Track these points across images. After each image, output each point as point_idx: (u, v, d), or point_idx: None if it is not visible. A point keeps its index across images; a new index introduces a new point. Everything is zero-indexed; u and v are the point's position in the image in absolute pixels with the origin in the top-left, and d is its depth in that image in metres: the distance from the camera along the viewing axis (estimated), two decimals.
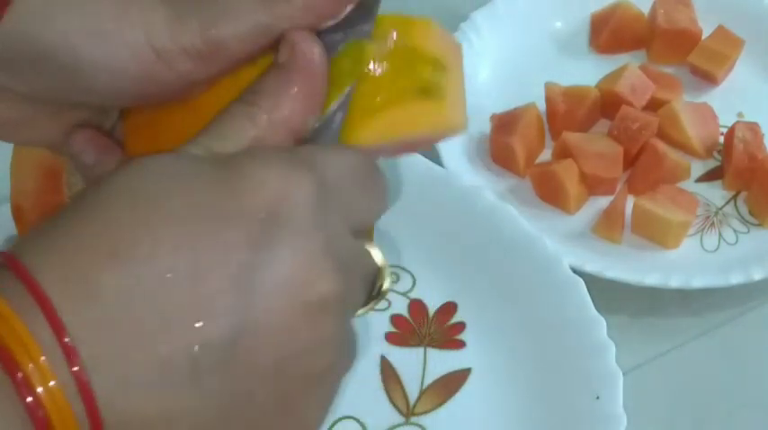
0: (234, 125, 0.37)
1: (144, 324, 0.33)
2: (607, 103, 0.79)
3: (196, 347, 0.33)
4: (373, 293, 0.39)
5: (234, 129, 0.37)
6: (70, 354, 0.32)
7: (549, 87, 0.80)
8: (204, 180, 0.35)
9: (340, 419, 0.63)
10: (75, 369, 0.32)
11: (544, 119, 0.79)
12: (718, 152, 0.79)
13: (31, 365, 0.32)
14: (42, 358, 0.32)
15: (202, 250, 0.33)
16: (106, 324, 0.32)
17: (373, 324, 0.67)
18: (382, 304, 0.68)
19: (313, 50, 0.38)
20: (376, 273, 0.39)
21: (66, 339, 0.32)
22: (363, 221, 0.38)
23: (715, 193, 0.77)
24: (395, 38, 0.40)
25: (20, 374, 0.31)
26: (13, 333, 0.32)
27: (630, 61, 0.82)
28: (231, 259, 0.34)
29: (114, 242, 0.33)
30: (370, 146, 0.40)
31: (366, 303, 0.39)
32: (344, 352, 0.38)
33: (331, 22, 0.39)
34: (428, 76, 0.41)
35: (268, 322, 0.34)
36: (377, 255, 0.39)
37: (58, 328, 0.32)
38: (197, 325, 0.33)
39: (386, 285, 0.39)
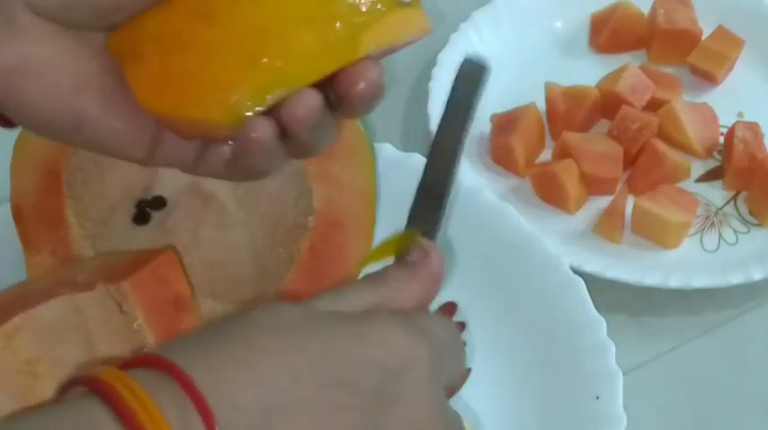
0: (357, 292, 0.42)
1: None
2: (607, 103, 0.79)
3: None
4: None
5: (356, 295, 0.42)
6: None
7: (549, 87, 0.80)
8: (336, 328, 0.39)
9: None
10: None
11: (544, 119, 0.79)
12: (718, 152, 0.79)
13: None
14: None
15: (333, 390, 0.37)
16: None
17: None
18: None
19: (439, 262, 0.46)
20: None
21: None
22: (452, 383, 0.43)
23: (715, 193, 0.77)
24: None
25: None
26: None
27: (630, 61, 0.82)
28: (358, 403, 0.38)
29: (259, 370, 0.37)
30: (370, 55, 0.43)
31: None
32: None
33: None
34: None
35: None
36: (459, 416, 0.43)
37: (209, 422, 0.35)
38: None
39: None
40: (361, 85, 0.42)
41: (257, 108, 0.42)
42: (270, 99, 0.42)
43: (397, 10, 0.43)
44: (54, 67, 0.42)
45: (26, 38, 0.42)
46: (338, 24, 0.42)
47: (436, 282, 0.46)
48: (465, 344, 0.45)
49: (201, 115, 0.42)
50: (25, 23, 0.42)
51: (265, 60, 0.42)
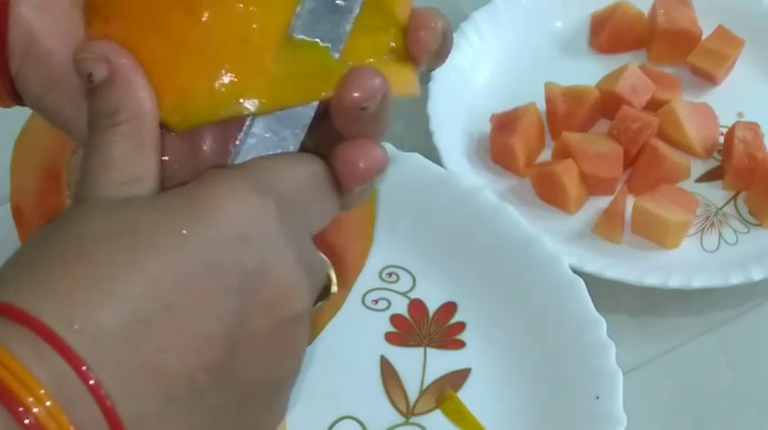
0: (116, 151, 0.38)
1: (148, 356, 0.34)
2: (607, 103, 0.79)
3: (198, 372, 0.35)
4: (323, 294, 0.42)
5: (114, 153, 0.38)
6: (95, 388, 0.33)
7: (548, 87, 0.80)
8: (177, 214, 0.36)
9: (340, 419, 0.63)
10: (102, 393, 0.33)
11: (544, 119, 0.79)
12: (718, 152, 0.79)
13: (48, 403, 0.33)
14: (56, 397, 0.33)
15: (195, 282, 0.35)
16: (113, 360, 0.34)
17: (373, 324, 0.67)
18: (382, 304, 0.68)
19: (126, 59, 0.39)
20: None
21: (85, 369, 0.33)
22: (318, 227, 0.40)
23: (715, 193, 0.77)
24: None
25: (24, 414, 0.32)
26: (16, 375, 0.33)
27: (630, 61, 0.82)
28: (220, 287, 0.36)
29: (109, 282, 0.34)
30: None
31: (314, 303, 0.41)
32: (306, 347, 0.41)
33: None
34: (401, 40, 0.42)
35: (259, 338, 0.37)
36: (325, 260, 0.41)
37: (75, 362, 0.33)
38: (196, 351, 0.35)
39: (334, 288, 0.43)
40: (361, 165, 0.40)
41: (207, 121, 0.40)
42: (222, 116, 0.39)
43: (387, 64, 0.41)
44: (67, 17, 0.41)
45: None
46: (319, 60, 0.40)
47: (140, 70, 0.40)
48: (330, 181, 0.40)
49: None
50: None
51: (232, 74, 0.39)
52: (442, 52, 0.43)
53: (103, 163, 0.38)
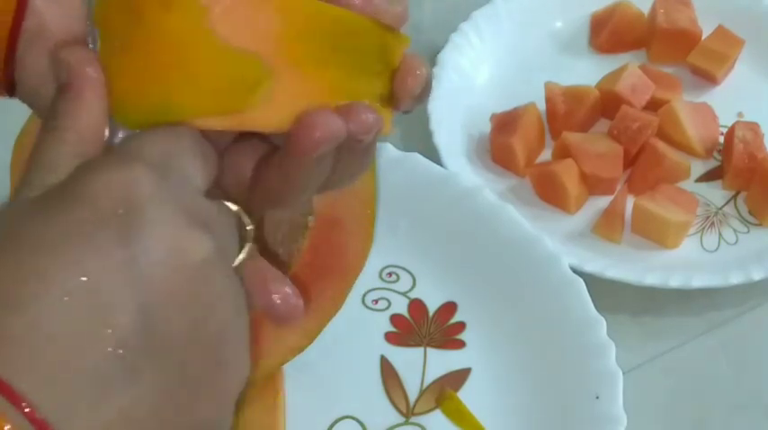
0: (51, 154, 0.39)
1: (63, 350, 0.34)
2: (607, 103, 0.79)
3: (118, 349, 0.35)
4: (243, 237, 0.42)
5: (54, 157, 0.39)
6: (15, 398, 0.33)
7: (549, 87, 0.80)
8: (53, 204, 0.37)
9: (340, 419, 0.63)
10: (24, 406, 0.33)
11: (544, 119, 0.79)
12: (718, 152, 0.79)
13: None
14: None
15: (85, 264, 0.35)
16: (27, 363, 0.34)
17: (373, 324, 0.67)
18: (382, 304, 0.68)
19: (90, 68, 0.41)
20: (238, 221, 0.42)
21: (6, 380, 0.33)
22: (204, 180, 0.41)
23: (715, 193, 0.77)
24: None
25: None
26: None
27: (630, 61, 0.82)
28: (112, 260, 0.36)
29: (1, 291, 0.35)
30: None
31: (241, 249, 0.41)
32: (239, 294, 0.40)
33: None
34: (389, 84, 0.44)
35: (167, 295, 0.37)
36: (230, 205, 0.42)
37: None
38: (108, 330, 0.35)
39: (249, 226, 0.42)
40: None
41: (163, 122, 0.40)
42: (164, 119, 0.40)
43: (376, 106, 0.42)
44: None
45: None
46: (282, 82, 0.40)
47: (101, 87, 0.41)
48: (198, 136, 0.41)
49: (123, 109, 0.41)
50: None
51: (179, 77, 0.40)
52: (422, 97, 0.45)
53: (41, 162, 0.39)
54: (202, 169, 0.41)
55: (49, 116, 0.41)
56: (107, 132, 0.41)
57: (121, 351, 0.35)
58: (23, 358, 0.34)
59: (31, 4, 0.41)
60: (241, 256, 0.41)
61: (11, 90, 0.44)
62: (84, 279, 0.35)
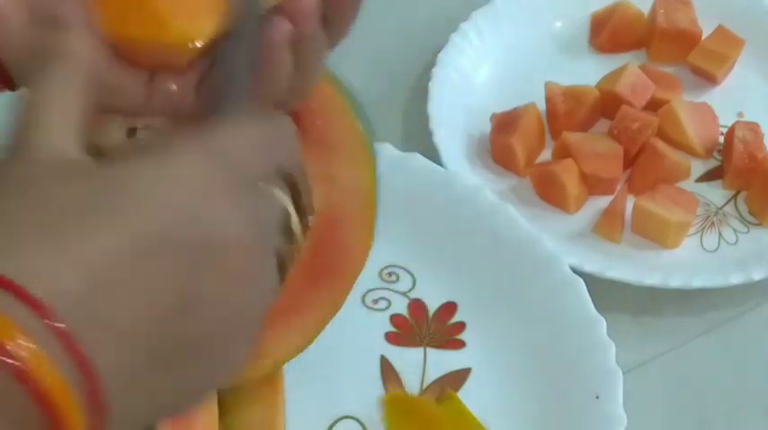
0: (54, 93, 0.39)
1: (108, 314, 0.35)
2: (607, 103, 0.79)
3: (152, 331, 0.36)
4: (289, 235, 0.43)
5: (56, 96, 0.39)
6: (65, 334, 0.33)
7: (549, 87, 0.80)
8: (133, 177, 0.37)
9: (340, 419, 0.63)
10: (73, 339, 0.33)
11: (544, 119, 0.79)
12: (718, 152, 0.79)
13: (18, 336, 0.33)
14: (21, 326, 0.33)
15: (151, 259, 0.35)
16: (81, 316, 0.34)
17: (373, 324, 0.67)
18: (382, 304, 0.68)
19: None
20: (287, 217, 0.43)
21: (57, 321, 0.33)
22: (275, 170, 0.41)
23: (715, 193, 0.77)
24: None
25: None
26: None
27: (630, 61, 0.82)
28: (179, 261, 0.36)
29: (69, 254, 0.34)
30: None
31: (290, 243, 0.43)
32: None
33: None
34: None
35: (211, 305, 0.37)
36: (282, 197, 0.42)
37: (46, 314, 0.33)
38: (147, 309, 0.35)
39: (295, 229, 0.44)
40: None
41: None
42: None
43: None
44: None
45: None
46: None
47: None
48: (286, 130, 0.43)
49: (157, 37, 0.42)
50: None
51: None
52: None
53: (44, 102, 0.39)
54: (286, 163, 0.42)
55: (38, 51, 0.40)
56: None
57: (155, 335, 0.36)
58: (75, 309, 0.34)
59: None
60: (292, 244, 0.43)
61: (9, 83, 0.44)
62: (137, 269, 0.35)
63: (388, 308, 0.68)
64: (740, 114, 0.82)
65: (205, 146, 0.39)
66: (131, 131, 0.59)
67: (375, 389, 0.64)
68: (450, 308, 0.68)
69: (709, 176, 0.78)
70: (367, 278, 0.66)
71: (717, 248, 0.74)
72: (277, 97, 0.45)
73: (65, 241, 0.35)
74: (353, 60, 0.67)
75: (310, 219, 0.46)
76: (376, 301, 0.68)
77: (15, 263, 0.34)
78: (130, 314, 0.35)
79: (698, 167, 0.79)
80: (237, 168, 0.39)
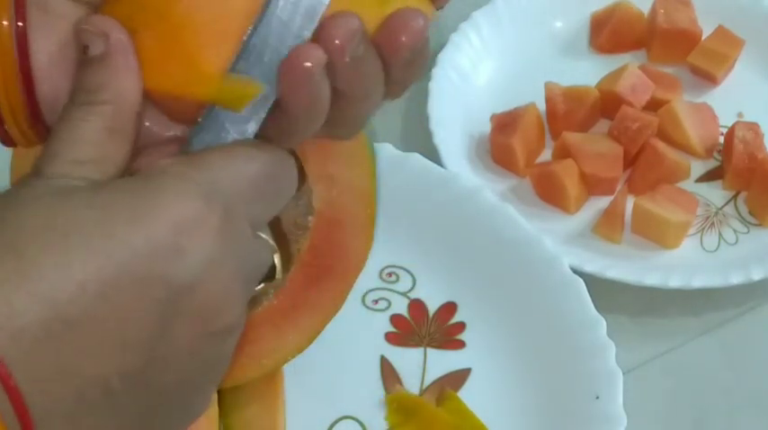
0: (82, 129, 0.38)
1: (64, 359, 0.34)
2: (607, 103, 0.79)
3: (112, 378, 0.35)
4: (268, 277, 0.42)
5: (87, 133, 0.38)
6: (5, 380, 0.33)
7: (549, 87, 0.80)
8: (117, 216, 0.35)
9: (340, 419, 0.63)
10: (12, 384, 0.33)
11: (544, 119, 0.79)
12: (718, 152, 0.79)
13: None
14: None
15: (121, 291, 0.34)
16: (29, 359, 0.33)
17: (373, 324, 0.67)
18: (382, 304, 0.68)
19: (120, 35, 0.39)
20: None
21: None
22: (267, 219, 0.40)
23: (715, 193, 0.77)
24: None
25: None
26: None
27: (630, 61, 0.82)
28: (147, 299, 0.35)
29: (35, 283, 0.34)
30: None
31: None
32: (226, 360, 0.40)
33: None
34: None
35: (177, 350, 0.36)
36: (270, 246, 0.42)
37: None
38: (113, 358, 0.35)
39: (278, 274, 0.42)
40: (403, 38, 0.39)
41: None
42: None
43: None
44: None
45: (60, 22, 0.40)
46: None
47: (132, 58, 0.39)
48: (288, 170, 0.40)
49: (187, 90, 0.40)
50: (57, 7, 0.40)
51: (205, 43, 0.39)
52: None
53: (69, 138, 0.38)
54: (272, 209, 0.40)
55: (77, 91, 0.39)
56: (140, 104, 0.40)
57: (114, 382, 0.35)
58: (27, 350, 0.33)
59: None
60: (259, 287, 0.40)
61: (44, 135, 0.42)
62: (113, 306, 0.34)
63: (388, 308, 0.68)
64: (740, 114, 0.82)
65: (202, 178, 0.37)
66: None
67: (375, 389, 0.64)
68: (450, 308, 0.68)
69: (709, 176, 0.78)
70: (367, 278, 0.66)
71: (717, 249, 0.74)
72: (301, 137, 0.41)
73: (24, 267, 0.33)
74: None
75: (309, 219, 0.45)
76: (376, 301, 0.68)
77: None
78: (88, 356, 0.34)
79: (698, 168, 0.79)
80: (233, 210, 0.37)
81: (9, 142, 0.42)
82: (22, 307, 0.33)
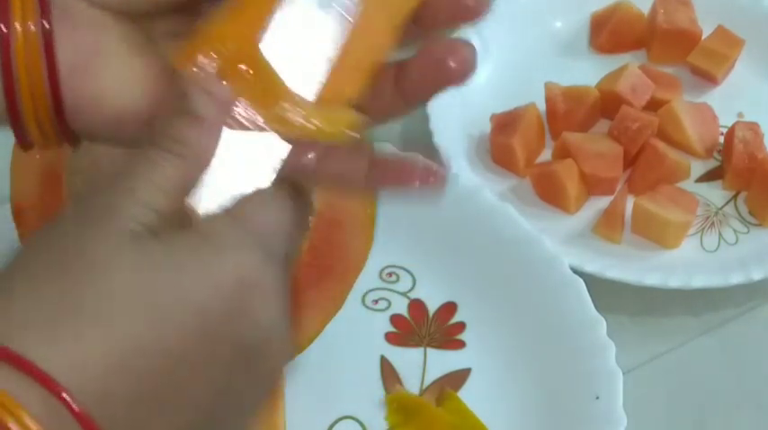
0: (164, 174, 0.37)
1: (136, 414, 0.34)
2: (607, 103, 0.79)
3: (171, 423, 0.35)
4: None
5: (166, 179, 0.37)
6: (81, 416, 0.33)
7: (549, 87, 0.80)
8: (179, 257, 0.35)
9: (340, 419, 0.63)
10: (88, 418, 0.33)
11: (544, 119, 0.79)
12: (718, 152, 0.79)
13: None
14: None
15: (196, 350, 0.35)
16: (108, 413, 0.33)
17: (373, 324, 0.67)
18: (382, 304, 0.68)
19: (228, 98, 0.39)
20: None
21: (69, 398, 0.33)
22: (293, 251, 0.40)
23: (715, 193, 0.77)
24: None
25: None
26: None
27: (630, 61, 0.82)
28: (221, 355, 0.35)
29: (113, 334, 0.34)
30: None
31: None
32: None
33: None
34: None
35: (237, 404, 0.37)
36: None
37: (45, 380, 0.33)
38: (184, 416, 0.35)
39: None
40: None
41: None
42: None
43: None
44: (115, 57, 0.40)
45: (83, 29, 0.40)
46: None
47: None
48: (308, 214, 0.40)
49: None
50: (80, 13, 0.40)
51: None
52: None
53: (149, 182, 0.37)
54: (296, 243, 0.40)
55: (167, 136, 0.38)
56: None
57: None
58: (95, 392, 0.33)
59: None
60: None
61: (72, 140, 0.42)
62: (181, 364, 0.35)
63: (388, 308, 0.68)
64: (740, 114, 0.82)
65: (247, 231, 0.37)
66: None
67: (375, 389, 0.64)
68: (450, 308, 0.68)
69: (709, 176, 0.78)
70: (367, 278, 0.66)
71: (717, 248, 0.74)
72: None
73: (105, 328, 0.34)
74: None
75: (310, 219, 0.45)
76: (376, 301, 0.68)
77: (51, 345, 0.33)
78: (160, 415, 0.35)
79: (698, 167, 0.79)
80: (278, 262, 0.37)
81: (26, 144, 0.42)
82: (104, 363, 0.33)
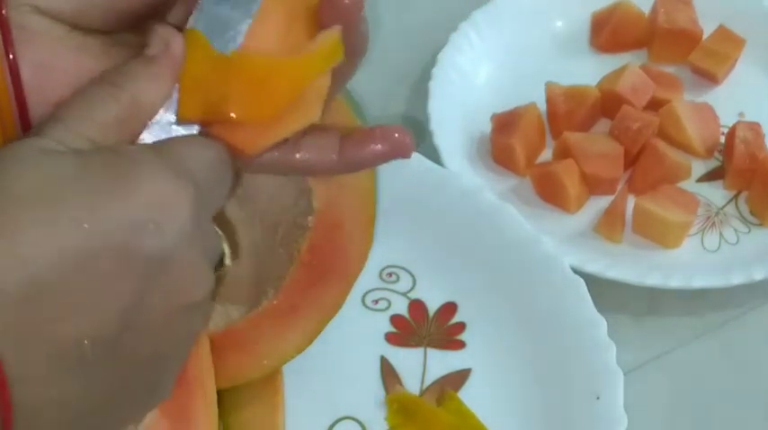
0: (99, 107, 0.39)
1: (41, 323, 0.35)
2: (608, 103, 0.79)
3: (86, 345, 0.36)
4: (217, 266, 0.43)
5: (100, 113, 0.39)
6: None
7: (549, 87, 0.80)
8: (99, 187, 0.36)
9: (340, 419, 0.63)
10: None
11: (544, 119, 0.79)
12: (719, 152, 0.79)
13: None
14: None
15: (100, 261, 0.36)
16: (5, 321, 0.34)
17: (373, 324, 0.67)
18: (382, 304, 0.68)
19: (180, 50, 0.41)
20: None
21: None
22: (219, 205, 0.41)
23: (716, 193, 0.77)
24: None
25: None
26: None
27: (631, 61, 0.82)
28: (124, 271, 0.36)
29: (18, 246, 0.35)
30: None
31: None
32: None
33: None
34: None
35: (150, 324, 0.37)
36: (220, 234, 0.43)
37: None
38: (88, 325, 0.36)
39: (227, 261, 0.46)
40: None
41: None
42: None
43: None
44: (71, 67, 0.41)
45: (39, 42, 0.41)
46: None
47: (176, 75, 0.41)
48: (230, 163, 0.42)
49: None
50: (35, 27, 0.41)
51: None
52: None
53: (81, 111, 0.39)
54: (223, 196, 0.41)
55: (113, 72, 0.40)
56: (158, 116, 0.41)
57: (88, 348, 0.36)
58: (3, 312, 0.34)
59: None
60: None
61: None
62: (91, 275, 0.35)
63: (388, 308, 0.68)
64: (741, 114, 0.82)
65: (171, 160, 0.38)
66: None
67: (375, 389, 0.64)
68: (450, 308, 0.68)
69: (710, 176, 0.78)
70: (367, 278, 0.66)
71: (718, 248, 0.74)
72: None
73: (7, 228, 0.34)
74: None
75: (309, 219, 0.46)
76: (376, 302, 0.68)
77: None
78: (63, 320, 0.35)
79: (699, 167, 0.79)
80: (202, 193, 0.39)
81: None
82: (0, 266, 0.34)
